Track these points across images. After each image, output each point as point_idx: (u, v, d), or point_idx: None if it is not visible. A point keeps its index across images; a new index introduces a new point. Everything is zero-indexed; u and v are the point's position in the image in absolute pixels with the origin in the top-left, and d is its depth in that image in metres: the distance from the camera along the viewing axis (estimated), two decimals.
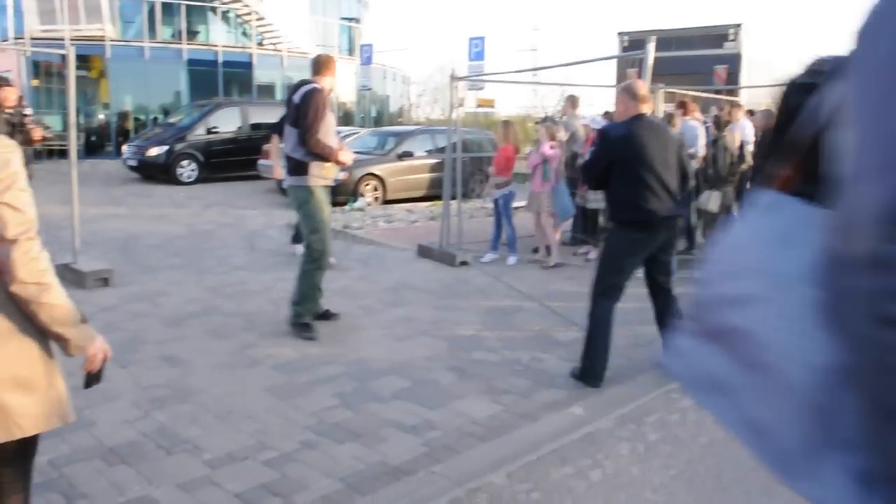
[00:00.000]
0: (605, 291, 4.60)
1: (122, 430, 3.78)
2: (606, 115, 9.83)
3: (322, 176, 5.43)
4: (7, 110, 7.28)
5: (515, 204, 8.80)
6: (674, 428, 4.01)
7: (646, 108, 4.65)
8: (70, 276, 6.92)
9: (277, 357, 4.99)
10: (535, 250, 8.78)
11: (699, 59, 15.63)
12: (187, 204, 13.23)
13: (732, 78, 15.61)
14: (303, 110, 5.25)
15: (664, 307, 4.85)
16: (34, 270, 2.04)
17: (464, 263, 8.30)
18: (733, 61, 15.92)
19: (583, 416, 4.10)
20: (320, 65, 5.49)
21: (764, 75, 15.80)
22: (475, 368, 4.88)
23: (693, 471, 3.49)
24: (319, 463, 3.47)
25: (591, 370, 4.61)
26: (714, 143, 7.84)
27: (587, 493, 3.27)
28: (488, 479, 3.35)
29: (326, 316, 5.80)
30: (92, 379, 2.31)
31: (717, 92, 11.49)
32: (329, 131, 5.37)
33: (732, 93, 12.76)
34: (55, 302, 2.09)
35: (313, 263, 5.48)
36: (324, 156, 5.32)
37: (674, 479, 3.41)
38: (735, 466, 3.53)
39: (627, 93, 4.66)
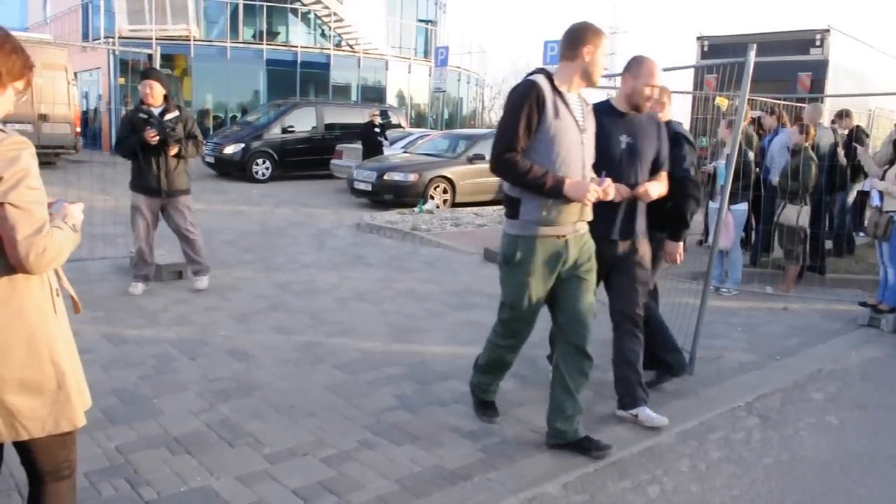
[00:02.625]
0: (651, 295, 4.56)
1: (188, 420, 3.89)
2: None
3: (546, 221, 3.45)
4: (145, 107, 6.35)
5: None
6: (738, 447, 3.90)
7: None
8: None
9: (340, 355, 5.05)
10: None
11: (782, 65, 15.09)
12: (260, 201, 13.55)
13: (817, 85, 15.04)
14: (500, 117, 3.61)
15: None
16: (48, 262, 2.07)
17: None
18: (819, 68, 15.33)
19: (644, 430, 4.01)
20: (563, 42, 3.56)
21: (851, 83, 15.19)
22: (537, 376, 4.83)
23: (755, 492, 3.37)
24: (376, 463, 3.50)
25: (676, 363, 4.60)
26: (795, 153, 7.56)
27: None
28: (544, 489, 3.31)
29: (585, 446, 3.67)
30: None
31: (800, 100, 11.10)
32: (553, 150, 3.40)
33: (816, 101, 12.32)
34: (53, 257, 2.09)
35: (503, 340, 3.84)
36: (534, 187, 3.39)
37: (735, 499, 3.30)
38: (800, 490, 3.42)
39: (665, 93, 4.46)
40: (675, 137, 4.38)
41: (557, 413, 3.68)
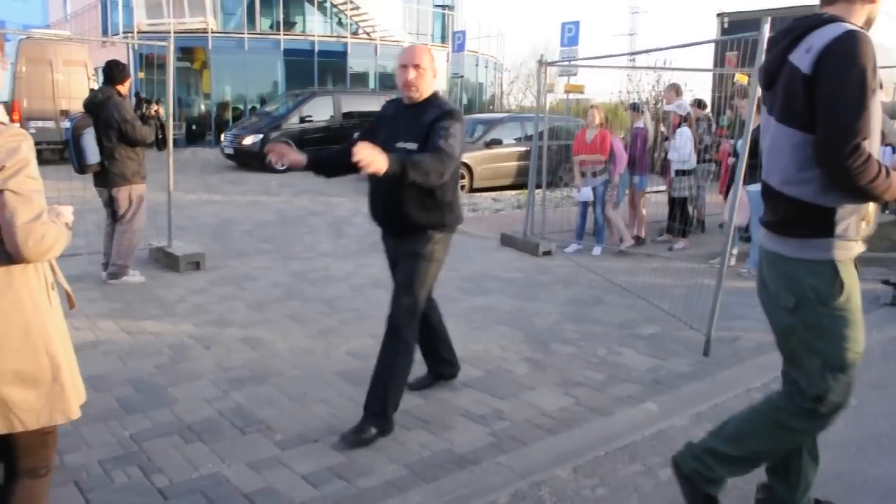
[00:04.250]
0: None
1: (201, 408, 3.93)
2: (699, 102, 9.51)
3: (863, 235, 2.46)
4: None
5: None
6: None
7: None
8: (164, 259, 7.24)
9: (354, 342, 5.07)
10: (622, 240, 8.62)
11: None
12: (279, 191, 13.60)
13: None
14: (828, 89, 2.25)
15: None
16: (46, 249, 2.10)
17: (547, 253, 8.22)
18: None
19: (657, 413, 3.99)
20: None
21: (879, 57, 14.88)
22: (550, 360, 4.82)
23: None
24: (386, 448, 3.51)
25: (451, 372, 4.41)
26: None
27: (654, 493, 3.18)
28: (553, 473, 3.30)
29: None
30: None
31: None
32: (876, 130, 2.31)
33: None
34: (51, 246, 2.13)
35: (810, 422, 2.56)
36: (879, 193, 2.30)
37: (747, 482, 3.26)
38: None
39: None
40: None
41: (805, 486, 2.85)
